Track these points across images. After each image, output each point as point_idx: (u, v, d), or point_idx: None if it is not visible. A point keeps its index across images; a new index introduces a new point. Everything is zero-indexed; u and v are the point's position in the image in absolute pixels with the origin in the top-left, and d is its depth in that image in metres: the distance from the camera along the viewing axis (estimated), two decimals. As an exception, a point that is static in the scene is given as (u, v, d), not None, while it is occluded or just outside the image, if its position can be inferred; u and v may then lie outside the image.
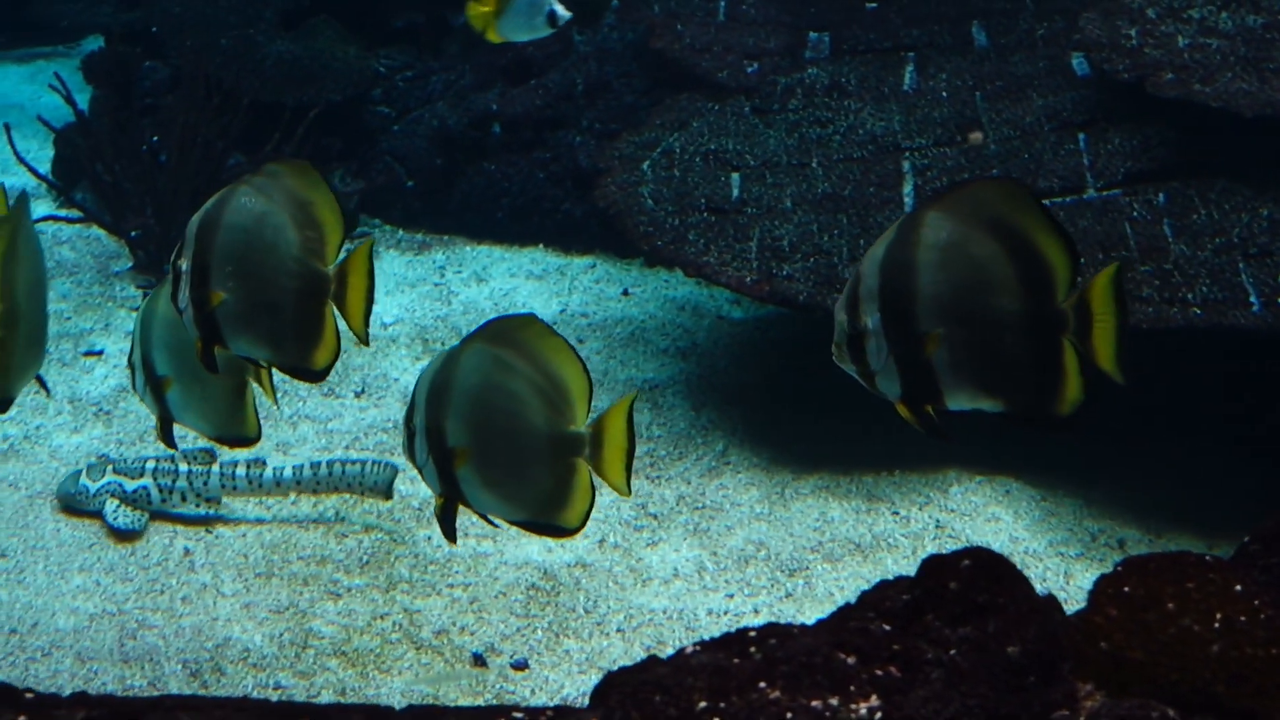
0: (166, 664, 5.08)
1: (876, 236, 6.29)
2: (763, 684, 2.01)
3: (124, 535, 5.78)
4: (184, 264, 3.56)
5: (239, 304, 3.54)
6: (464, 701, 4.97)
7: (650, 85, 8.50)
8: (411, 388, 3.61)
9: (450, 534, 3.46)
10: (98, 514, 5.86)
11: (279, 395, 6.88)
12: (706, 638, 5.17)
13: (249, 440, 4.16)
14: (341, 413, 6.73)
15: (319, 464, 5.92)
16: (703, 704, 1.98)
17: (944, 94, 7.13)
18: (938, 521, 5.92)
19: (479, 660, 5.13)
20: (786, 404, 6.78)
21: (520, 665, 5.11)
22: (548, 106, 8.54)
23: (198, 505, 5.92)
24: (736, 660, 2.06)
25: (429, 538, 5.80)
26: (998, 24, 7.58)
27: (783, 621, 5.31)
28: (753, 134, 7.15)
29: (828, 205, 6.55)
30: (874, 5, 8.13)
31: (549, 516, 3.41)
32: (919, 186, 6.58)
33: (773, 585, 5.54)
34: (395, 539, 5.79)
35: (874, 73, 7.46)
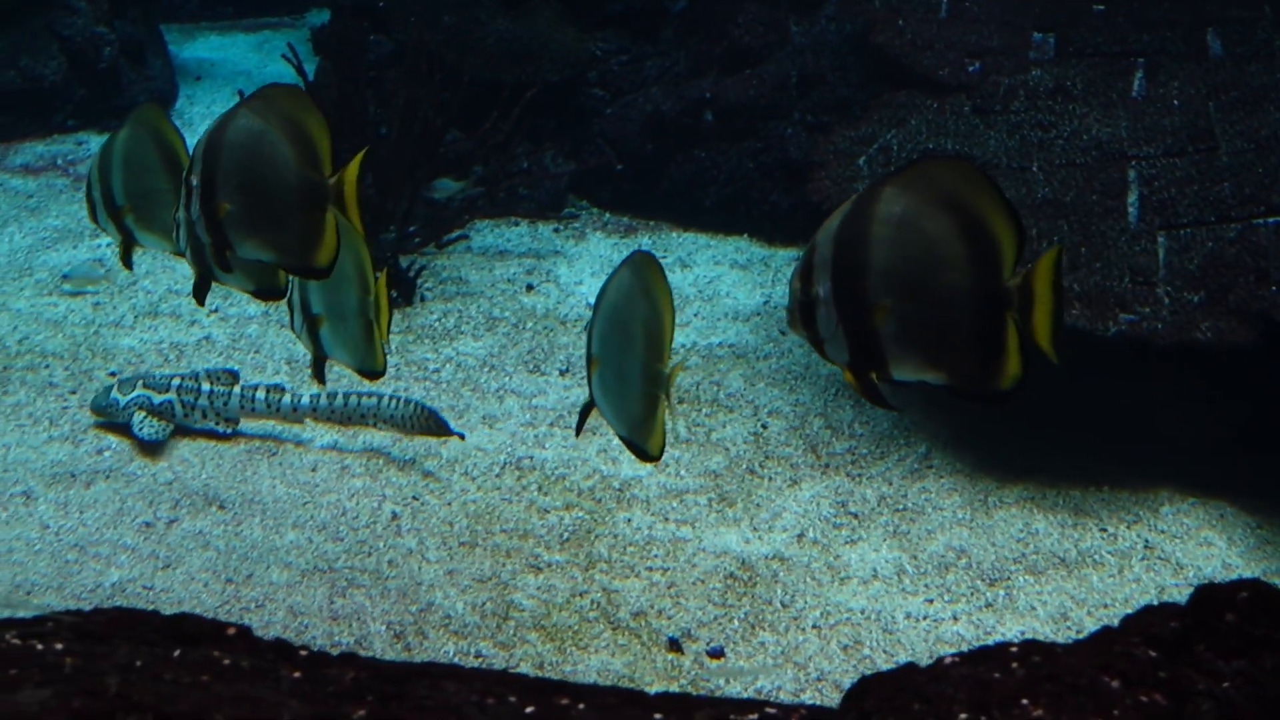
0: (372, 624, 5.22)
1: (1099, 245, 6.16)
2: (1025, 700, 1.98)
3: (147, 446, 6.18)
4: (194, 180, 3.87)
5: (243, 213, 3.86)
6: (658, 686, 5.01)
7: (865, 79, 8.43)
8: None
9: (578, 429, 3.97)
10: (126, 425, 6.26)
11: (490, 372, 7.03)
12: (904, 640, 5.13)
13: (378, 372, 4.47)
14: (546, 389, 6.83)
15: (335, 394, 6.21)
16: (963, 715, 1.96)
17: (1175, 102, 6.92)
18: (1146, 541, 5.77)
19: (675, 645, 5.16)
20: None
21: (716, 654, 5.13)
22: (761, 96, 8.53)
23: (216, 423, 6.30)
24: (997, 675, 2.03)
25: (629, 519, 5.85)
26: (1234, 32, 7.33)
27: (984, 630, 5.23)
28: (972, 134, 7.04)
29: (1047, 211, 6.42)
30: (1101, 8, 7.93)
31: (639, 439, 3.74)
32: (1144, 196, 6.41)
33: (973, 593, 5.46)
34: (596, 519, 5.86)
35: (1101, 77, 7.27)
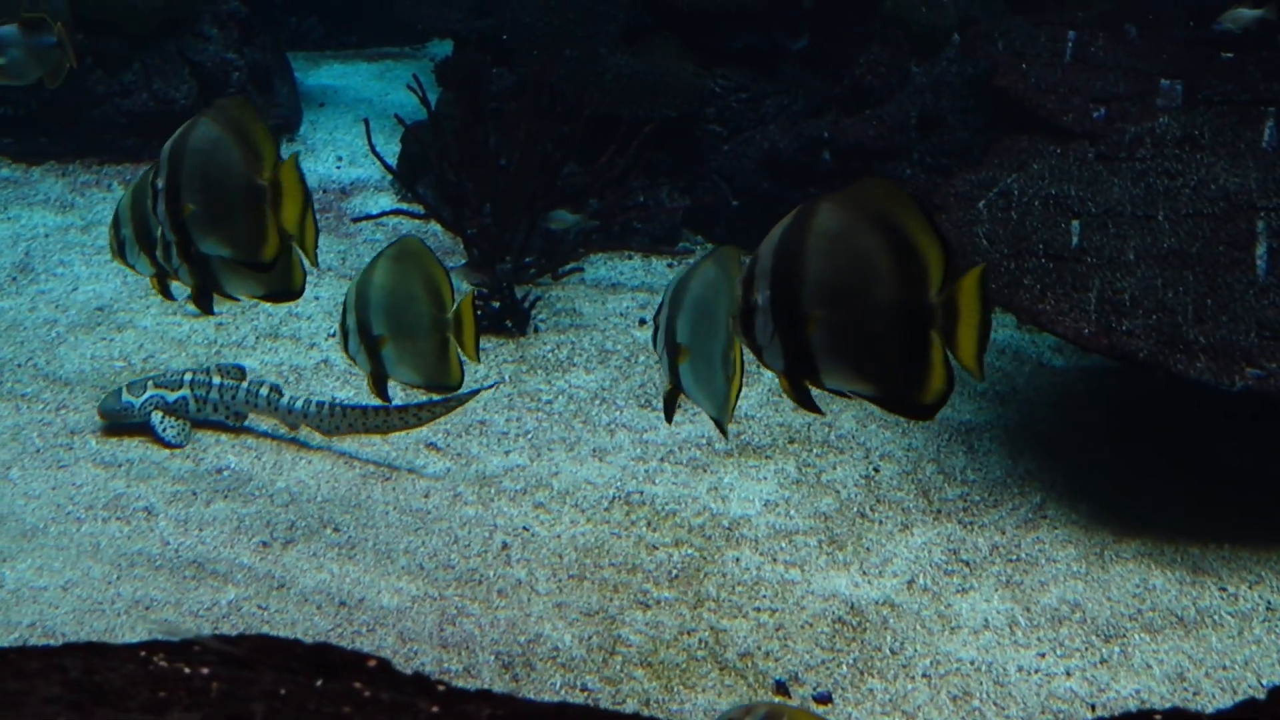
0: (480, 653, 5.25)
1: (1225, 298, 6.05)
2: (1169, 772, 1.94)
3: (171, 446, 6.42)
4: (160, 183, 4.20)
5: (204, 212, 4.18)
6: (765, 727, 4.97)
7: (986, 123, 8.37)
8: None
9: (668, 415, 4.04)
10: (143, 426, 6.49)
11: (602, 405, 7.06)
12: (1015, 694, 5.04)
13: (452, 386, 4.61)
14: (657, 425, 6.84)
15: (324, 404, 6.46)
16: (1104, 784, 1.93)
17: (1307, 154, 6.78)
18: (1269, 603, 5.63)
19: (781, 688, 5.13)
20: (1110, 461, 6.57)
21: (823, 699, 5.09)
22: (880, 137, 8.50)
23: (225, 417, 6.56)
24: (1141, 743, 2.00)
25: (738, 559, 5.84)
26: (1370, 83, 7.19)
27: (1098, 687, 5.12)
28: (1096, 181, 6.95)
29: (1173, 261, 6.31)
30: (1230, 55, 7.81)
31: (725, 418, 3.84)
32: (1273, 248, 6.28)
33: (1087, 649, 5.36)
34: (705, 556, 5.85)
35: (1230, 126, 7.15)
